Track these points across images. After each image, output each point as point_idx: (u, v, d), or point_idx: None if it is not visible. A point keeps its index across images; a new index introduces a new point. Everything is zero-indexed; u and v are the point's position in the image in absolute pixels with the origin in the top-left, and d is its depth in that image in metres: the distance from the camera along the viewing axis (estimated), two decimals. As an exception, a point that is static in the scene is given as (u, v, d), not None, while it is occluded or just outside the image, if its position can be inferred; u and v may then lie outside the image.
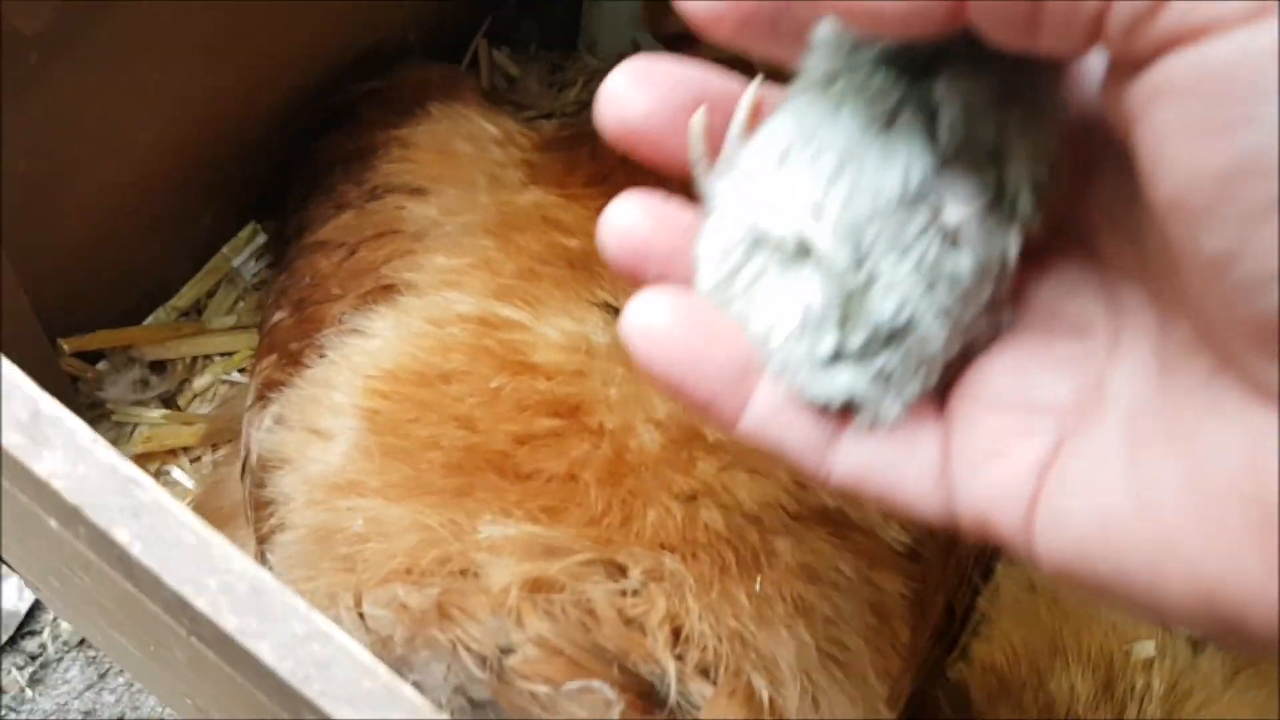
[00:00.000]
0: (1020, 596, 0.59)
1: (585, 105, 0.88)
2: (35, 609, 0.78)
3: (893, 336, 0.27)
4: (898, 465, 0.29)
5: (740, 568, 0.52)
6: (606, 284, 0.60)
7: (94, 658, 0.78)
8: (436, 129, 0.70)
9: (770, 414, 0.29)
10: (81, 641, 0.78)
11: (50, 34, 0.46)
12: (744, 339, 0.29)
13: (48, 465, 0.32)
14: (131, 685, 0.77)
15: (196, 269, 0.75)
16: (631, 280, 0.31)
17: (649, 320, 0.29)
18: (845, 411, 0.29)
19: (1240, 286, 0.21)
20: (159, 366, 0.73)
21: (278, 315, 0.67)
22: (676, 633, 0.50)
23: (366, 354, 0.59)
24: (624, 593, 0.50)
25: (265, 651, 0.31)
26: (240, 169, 0.71)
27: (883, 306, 0.27)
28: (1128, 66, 0.21)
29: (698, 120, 0.31)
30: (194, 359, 0.74)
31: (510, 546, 0.51)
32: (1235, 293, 0.21)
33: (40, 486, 0.33)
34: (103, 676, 0.77)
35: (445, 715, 0.31)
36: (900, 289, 0.27)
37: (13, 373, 0.33)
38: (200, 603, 0.32)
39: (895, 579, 0.56)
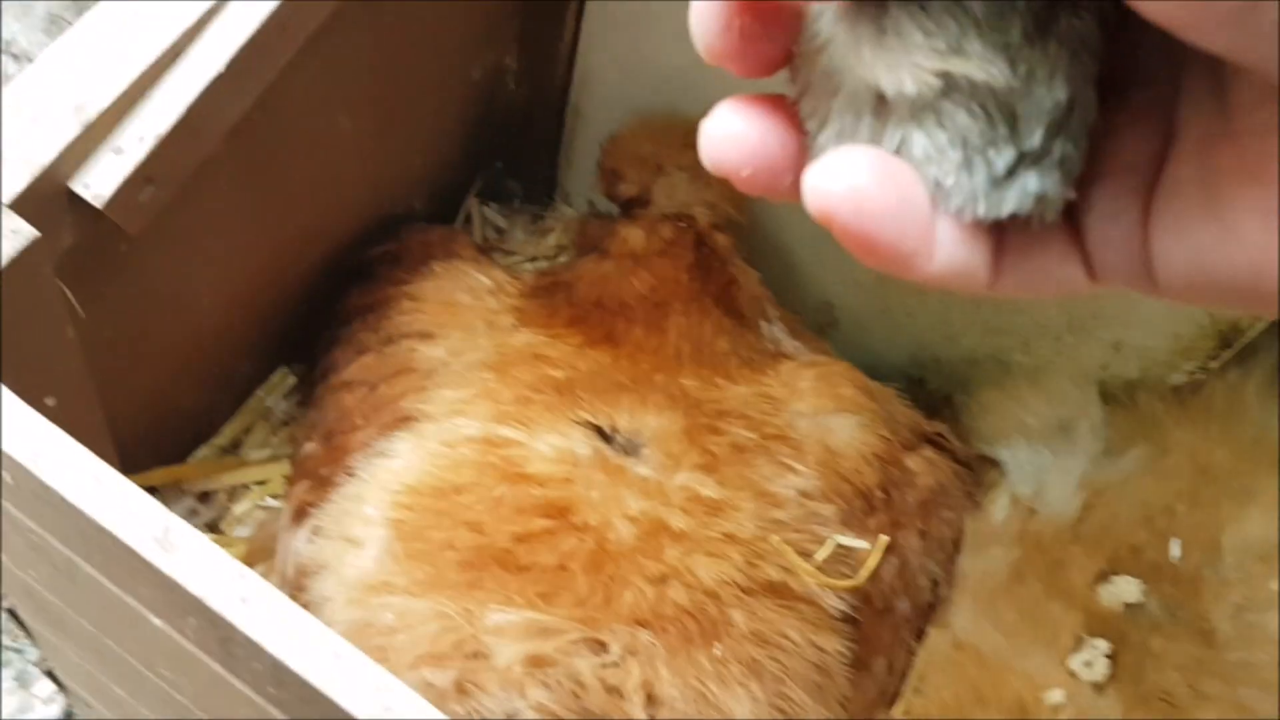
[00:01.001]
0: (949, 654, 0.68)
1: (563, 248, 1.00)
2: None
3: (1064, 120, 0.27)
4: (1064, 254, 0.30)
5: (702, 637, 0.62)
6: (586, 406, 0.70)
7: None
8: (440, 284, 0.80)
9: (954, 248, 0.29)
10: None
11: (142, 231, 0.56)
12: (919, 184, 0.28)
13: (175, 565, 0.43)
14: None
15: (234, 409, 0.85)
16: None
17: (852, 181, 0.27)
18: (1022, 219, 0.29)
19: None
20: (204, 496, 0.83)
21: (308, 446, 0.77)
22: (650, 697, 0.60)
23: (391, 473, 0.68)
24: (605, 665, 0.60)
25: (344, 700, 0.41)
26: (275, 322, 0.81)
27: (1052, 94, 0.27)
28: None
29: None
30: (233, 488, 0.84)
31: (513, 630, 0.61)
32: None
33: (167, 582, 0.43)
34: None
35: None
36: (1060, 71, 0.27)
37: (144, 498, 0.44)
38: (295, 666, 0.41)
39: (835, 640, 0.66)
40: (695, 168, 0.82)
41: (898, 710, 0.68)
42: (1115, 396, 0.76)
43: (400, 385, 0.75)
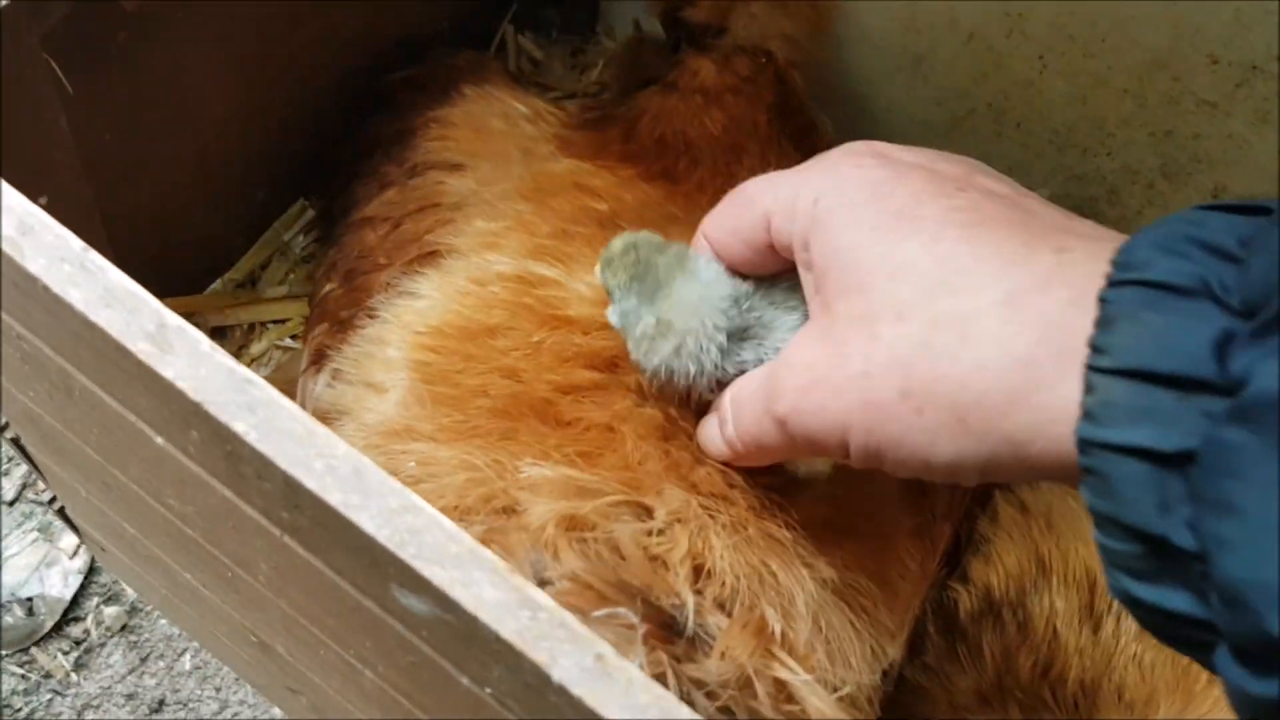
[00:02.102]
0: (1015, 518, 0.63)
1: (605, 86, 0.92)
2: (80, 595, 0.82)
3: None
4: None
5: (766, 513, 0.56)
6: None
7: (135, 642, 0.82)
8: (471, 109, 0.73)
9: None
10: (124, 627, 0.82)
11: (139, 14, 0.50)
12: None
13: (173, 369, 0.37)
14: (172, 669, 0.81)
15: (251, 243, 0.80)
16: None
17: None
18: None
19: None
20: (219, 332, 0.78)
21: (328, 286, 0.72)
22: (698, 569, 0.53)
23: (415, 313, 0.62)
24: (650, 532, 0.54)
25: (366, 522, 0.36)
26: (292, 148, 0.75)
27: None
28: None
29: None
30: (250, 326, 0.79)
31: (548, 486, 0.55)
32: None
33: (167, 389, 0.38)
34: (144, 660, 0.81)
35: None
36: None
37: (138, 290, 0.38)
38: (310, 483, 0.37)
39: (902, 515, 0.61)
40: None
41: (957, 575, 0.63)
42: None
43: (426, 220, 0.69)
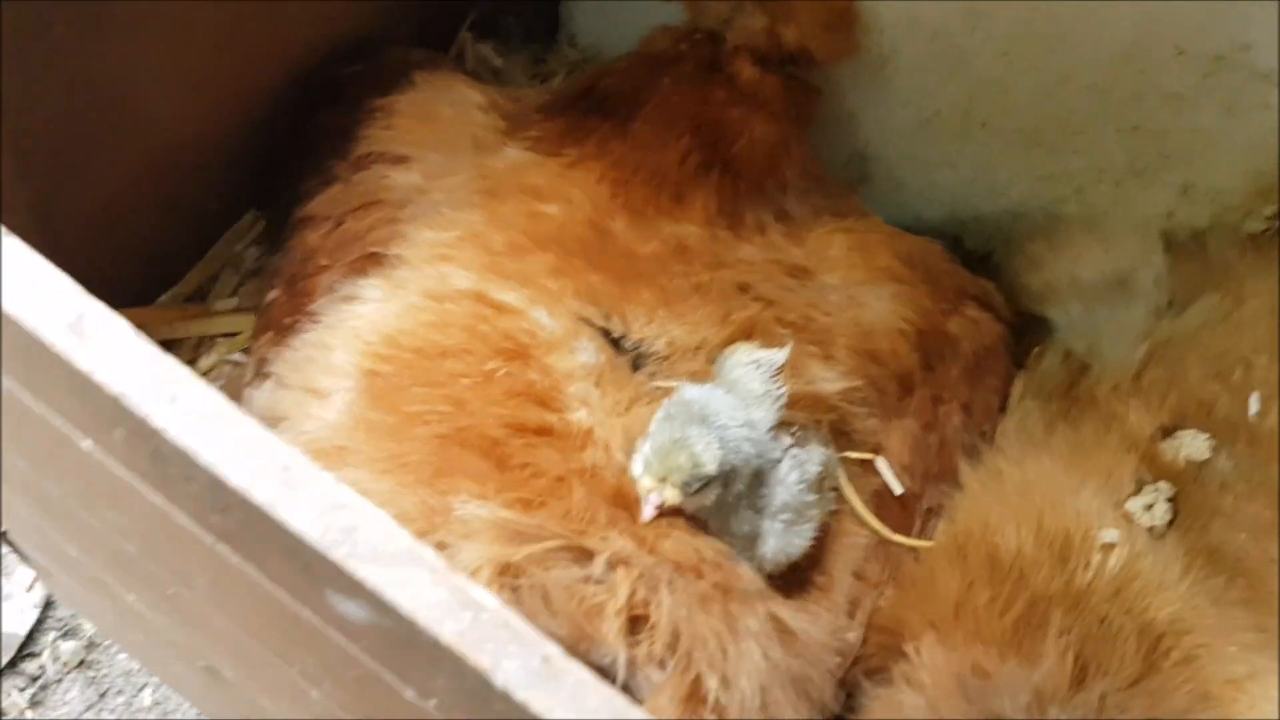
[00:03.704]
0: (986, 483, 0.63)
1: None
2: (36, 631, 0.79)
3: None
4: None
5: (725, 575, 0.54)
6: (600, 299, 0.61)
7: (94, 678, 0.79)
8: (418, 97, 0.71)
9: None
10: (82, 662, 0.79)
11: (75, 6, 0.48)
12: None
13: (92, 359, 0.35)
14: (131, 704, 0.78)
15: (200, 255, 0.78)
16: None
17: None
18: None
19: None
20: (166, 346, 0.75)
21: (272, 294, 0.69)
22: (637, 620, 0.52)
23: (363, 319, 0.60)
24: (587, 579, 0.52)
25: (295, 521, 0.34)
26: (243, 154, 0.74)
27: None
28: None
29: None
30: (199, 340, 0.77)
31: (482, 529, 0.53)
32: None
33: (84, 382, 0.35)
34: (103, 696, 0.78)
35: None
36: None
37: (57, 275, 0.36)
38: (236, 480, 0.34)
39: (869, 564, 0.61)
40: None
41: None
42: (1181, 246, 0.68)
43: (369, 218, 0.67)
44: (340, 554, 0.34)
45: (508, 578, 0.51)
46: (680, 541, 0.54)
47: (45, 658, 0.78)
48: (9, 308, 0.36)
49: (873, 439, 0.64)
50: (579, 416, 0.57)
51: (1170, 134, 0.69)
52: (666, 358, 0.61)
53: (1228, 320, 0.62)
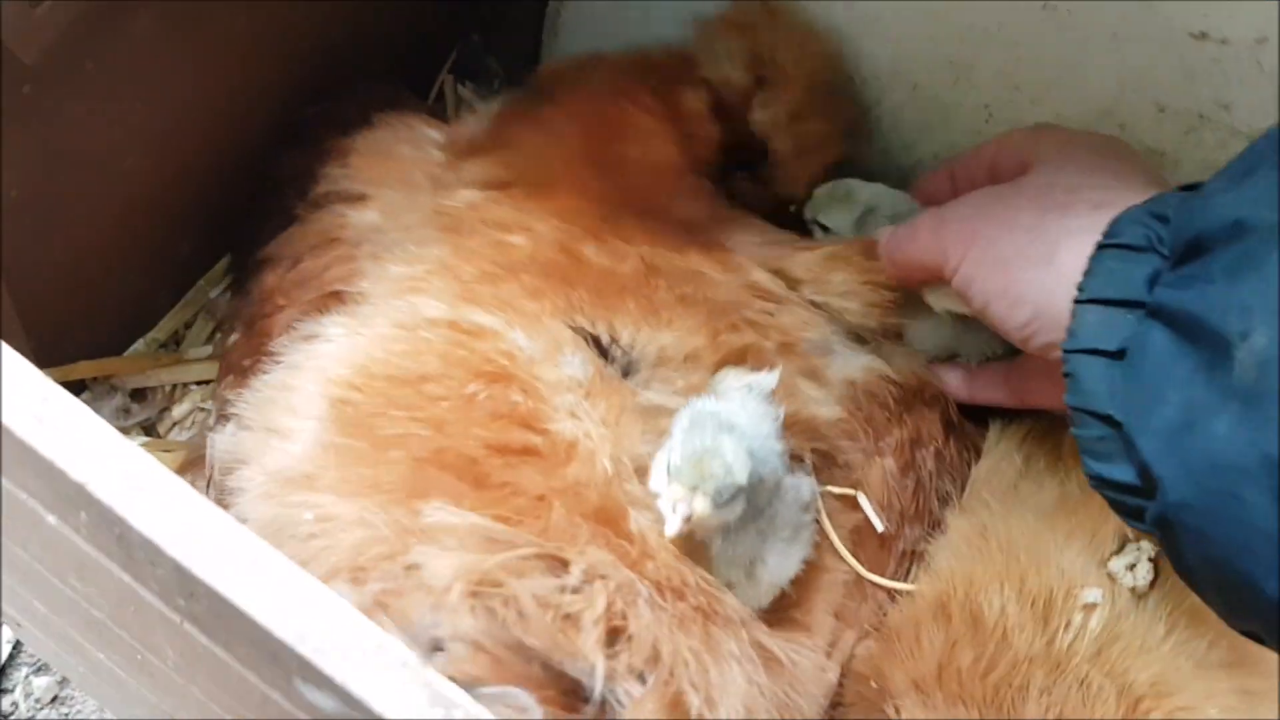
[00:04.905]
0: (969, 538, 0.62)
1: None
2: (8, 666, 0.78)
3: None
4: None
5: (708, 594, 0.53)
6: (581, 310, 0.60)
7: (67, 715, 0.77)
8: (377, 135, 0.70)
9: None
10: (54, 699, 0.78)
11: (45, 66, 0.48)
12: None
13: (54, 446, 0.34)
14: None
15: (175, 301, 0.77)
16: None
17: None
18: None
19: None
20: (140, 394, 0.75)
21: (232, 337, 0.68)
22: (615, 632, 0.50)
23: (327, 356, 0.59)
24: (563, 589, 0.50)
25: (262, 615, 0.33)
26: (217, 199, 0.73)
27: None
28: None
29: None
30: (173, 388, 0.76)
31: (452, 536, 0.51)
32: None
33: (48, 468, 0.35)
34: None
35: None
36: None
37: (18, 360, 0.35)
38: (202, 571, 0.33)
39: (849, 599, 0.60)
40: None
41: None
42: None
43: (326, 257, 0.65)
44: (307, 649, 0.33)
45: (483, 590, 0.49)
46: (664, 565, 0.53)
47: (18, 694, 0.77)
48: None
49: (853, 475, 0.64)
50: (565, 427, 0.55)
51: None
52: (658, 365, 0.60)
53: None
